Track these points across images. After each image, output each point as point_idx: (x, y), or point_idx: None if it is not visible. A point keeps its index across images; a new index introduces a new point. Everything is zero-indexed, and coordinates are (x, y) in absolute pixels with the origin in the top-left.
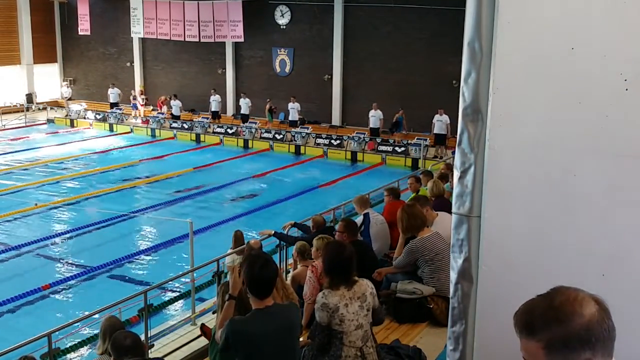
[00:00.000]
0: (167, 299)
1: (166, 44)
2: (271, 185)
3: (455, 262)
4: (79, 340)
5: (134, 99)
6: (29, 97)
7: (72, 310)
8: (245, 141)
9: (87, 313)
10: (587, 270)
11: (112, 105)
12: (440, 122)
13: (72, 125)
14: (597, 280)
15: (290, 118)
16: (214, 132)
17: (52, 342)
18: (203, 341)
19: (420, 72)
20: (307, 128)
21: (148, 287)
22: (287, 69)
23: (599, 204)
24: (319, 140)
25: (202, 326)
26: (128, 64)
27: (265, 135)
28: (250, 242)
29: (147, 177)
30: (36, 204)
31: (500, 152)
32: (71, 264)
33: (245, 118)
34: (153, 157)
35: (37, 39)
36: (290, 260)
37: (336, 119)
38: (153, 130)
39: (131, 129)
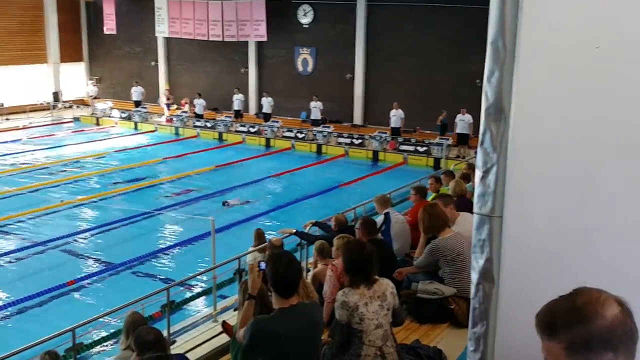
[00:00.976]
0: (189, 295)
1: (190, 43)
2: (292, 184)
3: (477, 263)
4: (103, 335)
5: (168, 99)
6: (56, 96)
7: (96, 306)
8: (267, 140)
9: (110, 309)
10: (609, 270)
11: (136, 103)
12: (462, 122)
13: (97, 124)
14: (620, 281)
15: (312, 117)
16: (236, 131)
17: (75, 337)
18: (224, 338)
19: (442, 71)
20: (329, 127)
21: (170, 283)
22: (310, 68)
23: (622, 203)
24: (341, 140)
25: (224, 323)
26: (152, 63)
27: (287, 134)
28: (272, 240)
29: (170, 175)
30: (62, 201)
31: (523, 152)
32: (95, 260)
33: (267, 117)
34: (176, 155)
35: (63, 38)
36: (311, 259)
37: (358, 118)
38: (177, 128)
39: (155, 128)
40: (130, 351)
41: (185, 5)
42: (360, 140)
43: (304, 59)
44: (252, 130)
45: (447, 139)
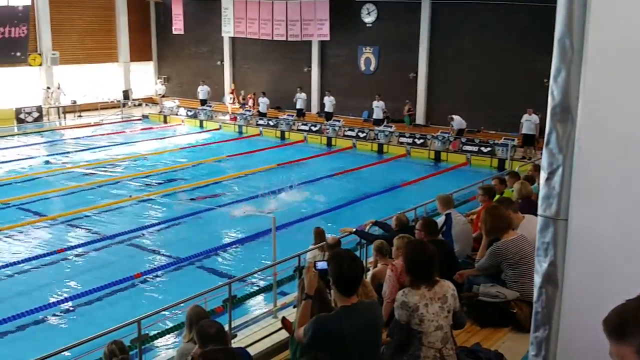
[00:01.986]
0: (250, 291)
1: (254, 43)
2: (353, 183)
3: (540, 266)
4: (167, 327)
5: (243, 99)
6: (126, 94)
7: (161, 299)
8: (329, 139)
9: (174, 302)
10: None
11: (202, 102)
12: (529, 122)
13: (165, 122)
14: None
15: (374, 116)
16: (298, 130)
17: (141, 328)
18: (284, 334)
19: (508, 70)
20: (391, 127)
21: (232, 279)
22: (372, 67)
23: None
24: (402, 139)
25: (283, 319)
26: (218, 63)
27: (348, 133)
28: (329, 239)
29: (233, 172)
30: (130, 196)
31: (590, 153)
32: (161, 254)
33: (329, 116)
34: (239, 153)
35: (133, 38)
36: (371, 259)
37: (420, 117)
38: (240, 127)
39: (220, 126)
40: (192, 343)
41: (250, 6)
42: (422, 140)
43: (367, 58)
44: (313, 129)
45: (513, 140)
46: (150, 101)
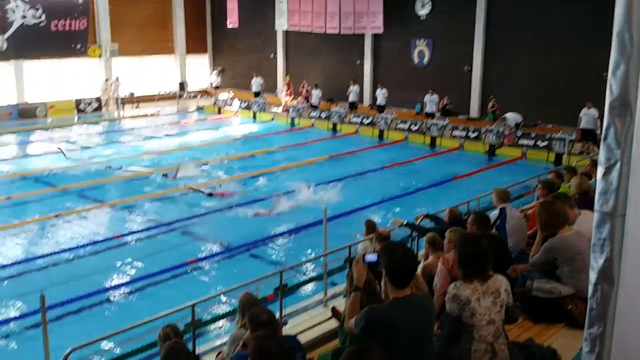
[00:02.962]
0: (301, 280)
1: (308, 36)
2: (405, 175)
3: (596, 262)
4: (219, 313)
5: (303, 87)
6: (182, 86)
7: (214, 285)
8: (381, 131)
9: (227, 288)
10: None
11: (255, 94)
12: (587, 117)
13: (219, 113)
14: None
15: (427, 110)
16: (350, 122)
17: (195, 313)
18: (334, 323)
19: (566, 63)
20: (444, 119)
21: (283, 267)
22: (426, 60)
23: None
24: (456, 132)
25: (333, 309)
26: (272, 56)
27: (401, 125)
28: (379, 231)
29: (286, 163)
30: (185, 185)
31: None
32: (214, 242)
33: (381, 108)
34: (291, 144)
35: (189, 31)
36: (422, 251)
37: (474, 111)
38: (293, 119)
39: (273, 117)
40: (244, 329)
41: None
42: (476, 134)
43: (420, 51)
44: (366, 121)
45: (570, 134)
46: (205, 93)
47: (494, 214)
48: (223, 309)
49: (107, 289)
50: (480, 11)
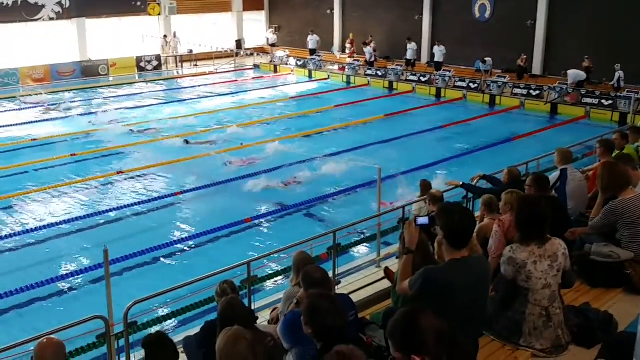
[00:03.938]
0: (354, 240)
1: None
2: (462, 135)
3: None
4: (274, 270)
5: (365, 44)
6: (238, 43)
7: (270, 243)
8: (438, 90)
9: (282, 247)
10: None
11: (311, 52)
12: None
13: (275, 71)
14: None
15: (482, 68)
16: (407, 80)
17: (250, 270)
18: (386, 283)
19: (637, 17)
20: (504, 77)
21: (337, 227)
22: (487, 14)
23: None
24: (517, 91)
25: (386, 269)
26: (328, 12)
27: (459, 84)
28: (432, 192)
29: (341, 122)
30: (242, 144)
31: None
32: (269, 201)
33: (439, 66)
34: (347, 102)
35: None
36: (477, 213)
37: (537, 67)
38: (348, 77)
39: (328, 75)
40: (298, 287)
41: None
42: (538, 92)
43: (482, 5)
44: (423, 79)
45: (637, 93)
46: (261, 50)
47: (554, 175)
48: (278, 266)
49: (166, 245)
50: None
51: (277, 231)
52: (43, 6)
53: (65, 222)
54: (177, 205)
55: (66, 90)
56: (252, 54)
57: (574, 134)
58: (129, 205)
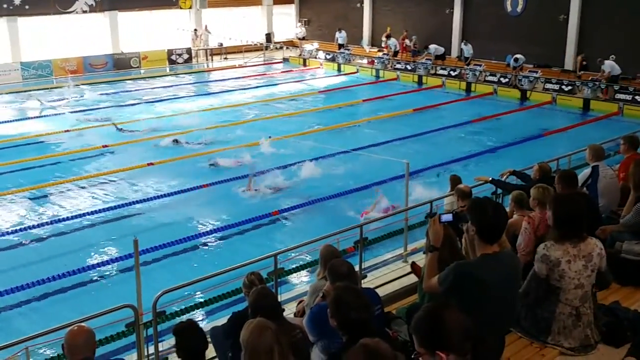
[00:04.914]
0: (381, 234)
1: None
2: (492, 130)
3: None
4: (300, 263)
5: (404, 39)
6: (268, 37)
7: (296, 236)
8: (468, 84)
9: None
10: None
11: (340, 46)
12: None
13: (304, 65)
14: None
15: (513, 64)
16: (436, 74)
17: (277, 262)
18: (413, 278)
19: None
20: (536, 72)
21: (364, 221)
22: (519, 8)
23: None
24: (548, 86)
25: (413, 264)
26: (358, 5)
27: (490, 78)
28: (461, 187)
29: (369, 116)
30: (270, 137)
31: None
32: (295, 194)
33: (467, 60)
34: (375, 97)
35: None
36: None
37: (569, 63)
38: (377, 71)
39: (357, 69)
40: (325, 280)
41: None
42: (570, 87)
43: None
44: (452, 73)
45: None
46: (290, 44)
47: (585, 172)
48: (304, 259)
49: (195, 237)
50: None
51: (304, 224)
52: None
53: (96, 212)
54: (206, 197)
55: (98, 83)
56: (281, 48)
57: (606, 130)
58: (158, 197)
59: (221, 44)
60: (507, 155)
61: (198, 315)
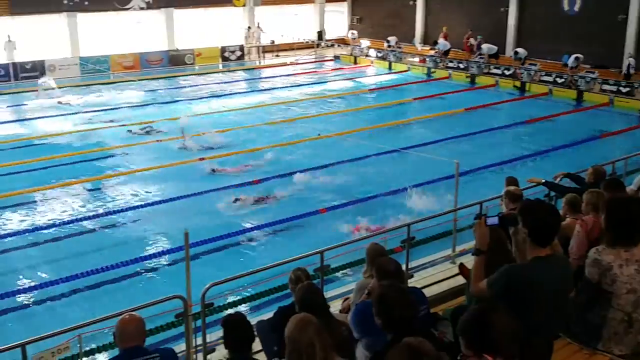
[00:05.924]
0: (430, 234)
1: None
2: (546, 131)
3: None
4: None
5: (468, 37)
6: (320, 35)
7: (343, 234)
8: (522, 83)
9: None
10: None
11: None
12: None
13: (355, 62)
14: None
15: (570, 64)
16: (489, 73)
17: (324, 259)
18: (461, 280)
19: None
20: (593, 73)
21: (412, 220)
22: (577, 7)
23: None
24: (606, 87)
25: (461, 265)
26: (411, 3)
27: (545, 78)
28: (510, 189)
29: (419, 115)
30: (319, 134)
31: None
32: (344, 192)
33: (522, 61)
34: (426, 95)
35: None
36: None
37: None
38: (429, 69)
39: (408, 68)
40: (371, 278)
41: None
42: (628, 89)
43: None
44: (506, 72)
45: None
46: (342, 42)
47: None
48: (350, 257)
49: (243, 231)
50: None
51: (351, 222)
52: None
53: (149, 204)
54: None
55: (155, 79)
56: (332, 45)
57: None
58: (211, 191)
59: (273, 42)
60: (562, 156)
61: (245, 309)
